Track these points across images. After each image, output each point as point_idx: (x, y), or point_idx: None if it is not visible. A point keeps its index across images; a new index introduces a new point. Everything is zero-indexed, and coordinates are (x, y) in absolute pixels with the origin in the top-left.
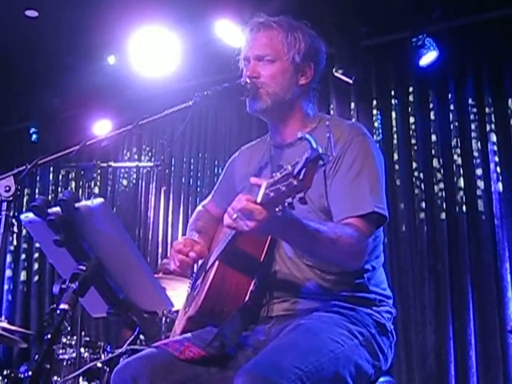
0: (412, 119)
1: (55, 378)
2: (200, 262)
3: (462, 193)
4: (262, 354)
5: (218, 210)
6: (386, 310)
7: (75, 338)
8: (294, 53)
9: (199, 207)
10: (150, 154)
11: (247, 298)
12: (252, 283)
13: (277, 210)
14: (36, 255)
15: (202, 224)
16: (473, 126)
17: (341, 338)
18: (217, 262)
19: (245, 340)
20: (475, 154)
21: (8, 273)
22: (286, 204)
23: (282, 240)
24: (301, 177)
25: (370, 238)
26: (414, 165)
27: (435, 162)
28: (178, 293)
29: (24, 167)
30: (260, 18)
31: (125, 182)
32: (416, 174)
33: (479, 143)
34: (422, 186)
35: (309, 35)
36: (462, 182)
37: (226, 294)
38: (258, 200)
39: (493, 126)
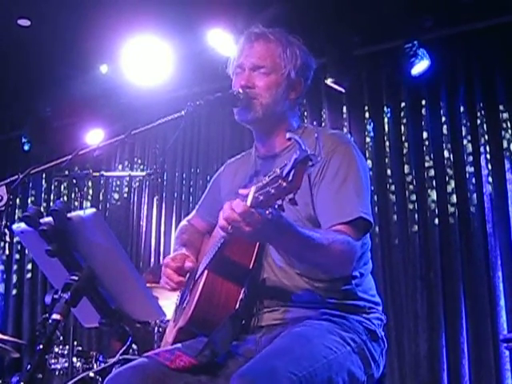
0: (404, 128)
1: None
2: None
3: (454, 200)
4: (257, 359)
5: (203, 223)
6: (376, 317)
7: (67, 347)
8: (290, 68)
9: (183, 222)
10: (142, 166)
11: (237, 307)
12: (241, 291)
13: (267, 212)
14: (28, 264)
15: (187, 237)
16: (465, 134)
17: (333, 344)
18: (206, 271)
19: (235, 349)
20: (467, 161)
21: None
22: (276, 206)
23: (275, 247)
24: (290, 178)
25: (358, 244)
26: (406, 172)
27: (427, 170)
28: (170, 302)
29: (16, 177)
30: (257, 29)
31: (116, 196)
32: (408, 181)
33: (471, 151)
34: (414, 193)
35: (304, 52)
36: (454, 190)
37: (216, 302)
38: (248, 204)
39: (485, 134)
